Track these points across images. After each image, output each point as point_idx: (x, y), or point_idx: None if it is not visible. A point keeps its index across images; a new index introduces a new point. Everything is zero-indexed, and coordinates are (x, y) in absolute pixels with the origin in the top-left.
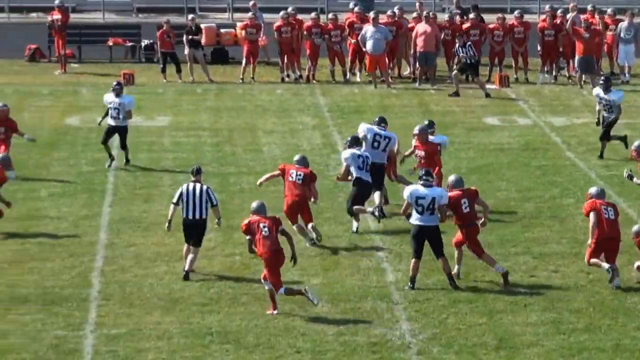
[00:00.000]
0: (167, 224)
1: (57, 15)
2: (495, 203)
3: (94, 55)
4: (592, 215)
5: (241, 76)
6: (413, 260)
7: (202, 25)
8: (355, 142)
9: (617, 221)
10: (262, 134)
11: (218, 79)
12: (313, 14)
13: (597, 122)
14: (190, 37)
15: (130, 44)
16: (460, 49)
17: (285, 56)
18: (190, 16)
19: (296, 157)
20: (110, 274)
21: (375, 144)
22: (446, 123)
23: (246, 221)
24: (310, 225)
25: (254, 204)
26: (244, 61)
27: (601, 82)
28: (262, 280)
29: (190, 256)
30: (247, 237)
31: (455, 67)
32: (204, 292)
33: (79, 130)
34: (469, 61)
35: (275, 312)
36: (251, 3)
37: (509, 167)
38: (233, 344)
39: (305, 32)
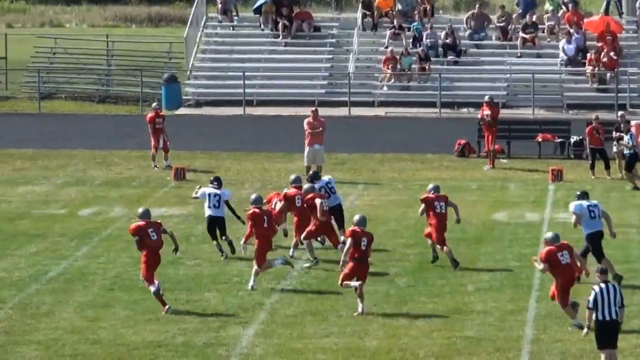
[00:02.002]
0: (585, 329)
1: (487, 111)
2: None
3: (522, 151)
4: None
5: None
6: None
7: (632, 122)
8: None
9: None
10: None
11: None
12: None
13: None
14: (618, 134)
15: (559, 140)
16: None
17: None
18: (619, 113)
19: (431, 186)
20: None
21: (592, 214)
22: None
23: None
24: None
25: None
26: None
27: None
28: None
29: None
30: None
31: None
32: None
33: (507, 226)
34: (629, 152)
35: None
36: None
37: None
38: None
39: None
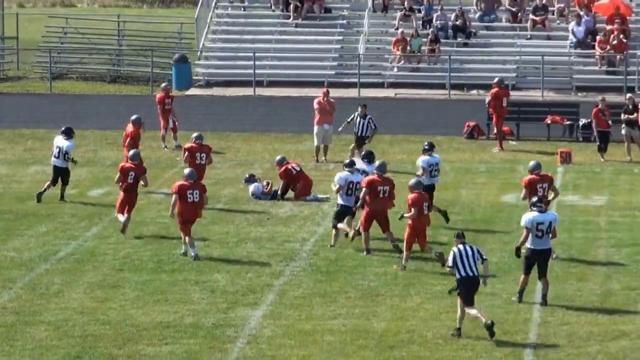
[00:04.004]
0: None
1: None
2: None
3: (531, 133)
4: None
5: None
6: (523, 276)
7: None
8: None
9: None
10: None
11: None
12: None
13: None
14: (626, 116)
15: (568, 122)
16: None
17: None
18: (627, 95)
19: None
20: (542, 352)
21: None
22: None
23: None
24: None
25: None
26: None
27: None
28: None
29: None
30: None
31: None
32: None
33: (515, 208)
34: (361, 133)
35: None
36: None
37: None
38: None
39: None
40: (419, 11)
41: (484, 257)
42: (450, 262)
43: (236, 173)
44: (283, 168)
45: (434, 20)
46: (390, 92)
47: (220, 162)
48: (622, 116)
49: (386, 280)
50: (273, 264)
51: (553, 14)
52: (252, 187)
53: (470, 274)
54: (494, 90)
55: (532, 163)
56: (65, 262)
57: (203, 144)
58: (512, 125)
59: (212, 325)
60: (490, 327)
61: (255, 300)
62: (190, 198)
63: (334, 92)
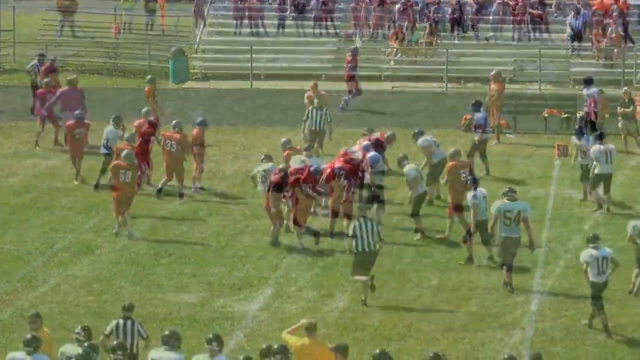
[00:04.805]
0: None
1: (493, 86)
2: None
3: (529, 126)
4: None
5: None
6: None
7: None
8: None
9: None
10: None
11: None
12: None
13: None
14: (623, 109)
15: (565, 115)
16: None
17: None
18: (624, 88)
19: None
20: (540, 345)
21: None
22: None
23: None
24: None
25: None
26: None
27: None
28: None
29: None
30: None
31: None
32: None
33: None
34: (316, 127)
35: None
36: None
37: None
38: None
39: None
40: (417, 4)
41: (382, 238)
42: (350, 232)
43: (233, 167)
44: (285, 152)
45: (431, 13)
46: (387, 85)
47: (216, 156)
48: (619, 109)
49: (382, 273)
50: (270, 257)
51: (551, 7)
52: (268, 165)
53: (367, 250)
54: (492, 82)
55: (451, 150)
56: (62, 255)
57: (180, 133)
58: (510, 118)
59: (209, 319)
60: (372, 286)
61: (252, 294)
62: (122, 178)
63: (331, 86)
